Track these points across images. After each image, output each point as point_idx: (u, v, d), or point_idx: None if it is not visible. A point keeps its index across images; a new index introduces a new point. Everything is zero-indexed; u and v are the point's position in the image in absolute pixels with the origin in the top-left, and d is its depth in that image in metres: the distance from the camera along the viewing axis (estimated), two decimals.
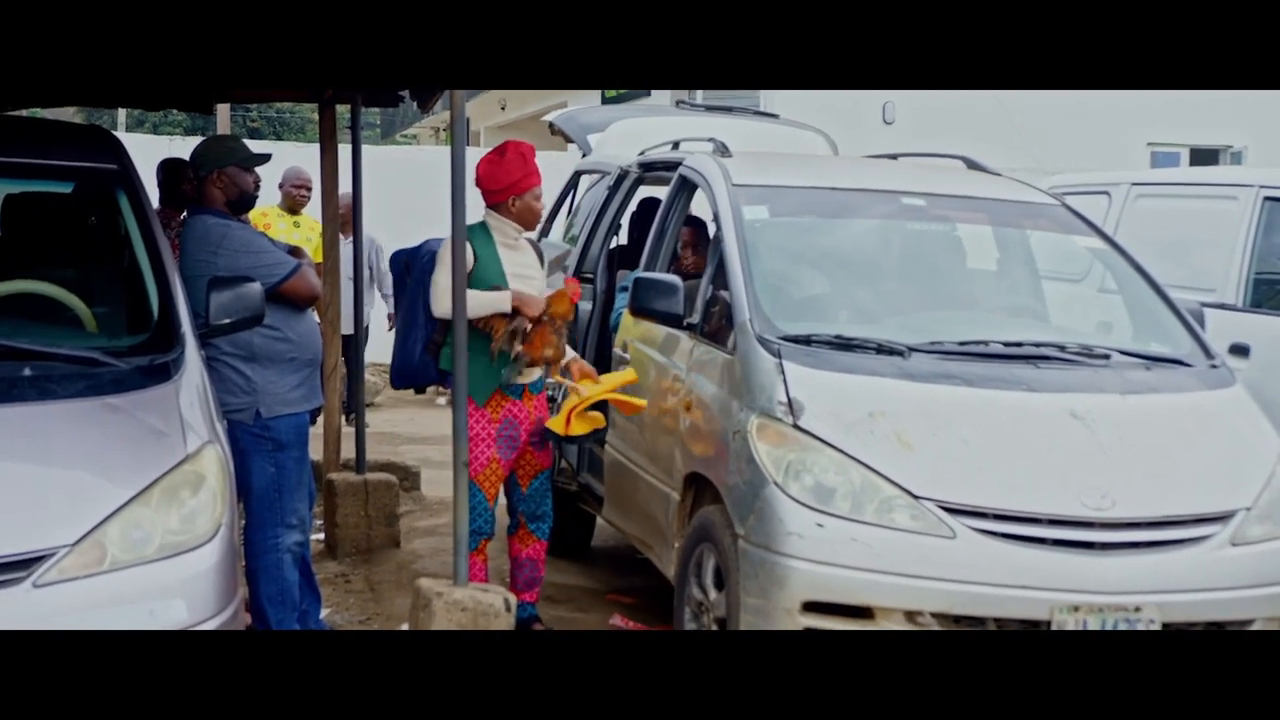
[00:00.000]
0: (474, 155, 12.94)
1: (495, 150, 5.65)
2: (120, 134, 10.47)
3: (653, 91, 18.20)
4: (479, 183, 5.55)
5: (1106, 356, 5.14)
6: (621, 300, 6.20)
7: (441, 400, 12.82)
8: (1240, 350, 6.36)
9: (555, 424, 5.58)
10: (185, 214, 5.83)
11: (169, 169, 6.73)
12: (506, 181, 5.52)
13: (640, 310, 5.37)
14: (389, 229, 12.52)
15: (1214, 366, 5.24)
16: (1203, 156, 17.72)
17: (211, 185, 5.42)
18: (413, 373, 5.77)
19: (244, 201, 5.50)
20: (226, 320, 4.66)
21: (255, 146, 5.92)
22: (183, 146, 11.46)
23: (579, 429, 5.60)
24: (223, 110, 13.83)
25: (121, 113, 27.15)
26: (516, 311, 5.45)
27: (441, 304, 5.38)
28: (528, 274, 5.60)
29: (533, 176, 5.57)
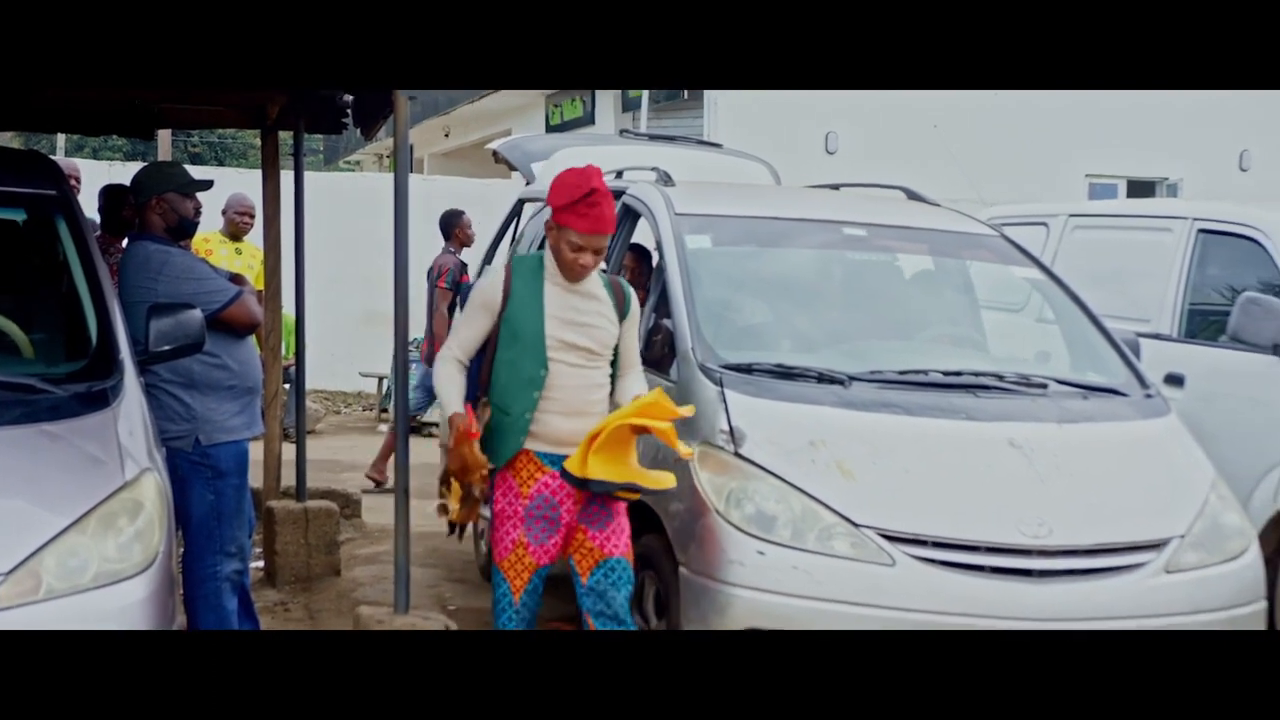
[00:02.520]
0: (417, 182, 12.95)
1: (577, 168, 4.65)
2: (59, 159, 10.39)
3: (597, 120, 18.28)
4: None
5: (1044, 386, 5.20)
6: None
7: (383, 427, 12.77)
8: (1175, 380, 6.45)
9: (572, 463, 4.38)
10: (126, 240, 5.80)
11: (110, 195, 6.70)
12: (552, 200, 4.52)
13: None
14: (332, 255, 12.52)
15: (1149, 396, 5.32)
16: (1140, 188, 17.96)
17: (151, 211, 5.39)
18: None
19: (184, 228, 5.47)
20: (166, 347, 4.63)
21: (196, 172, 5.88)
22: (123, 172, 11.40)
23: (600, 472, 4.35)
24: (164, 135, 13.77)
25: (60, 137, 26.93)
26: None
27: (436, 364, 4.67)
28: (584, 321, 4.53)
29: (576, 217, 4.41)
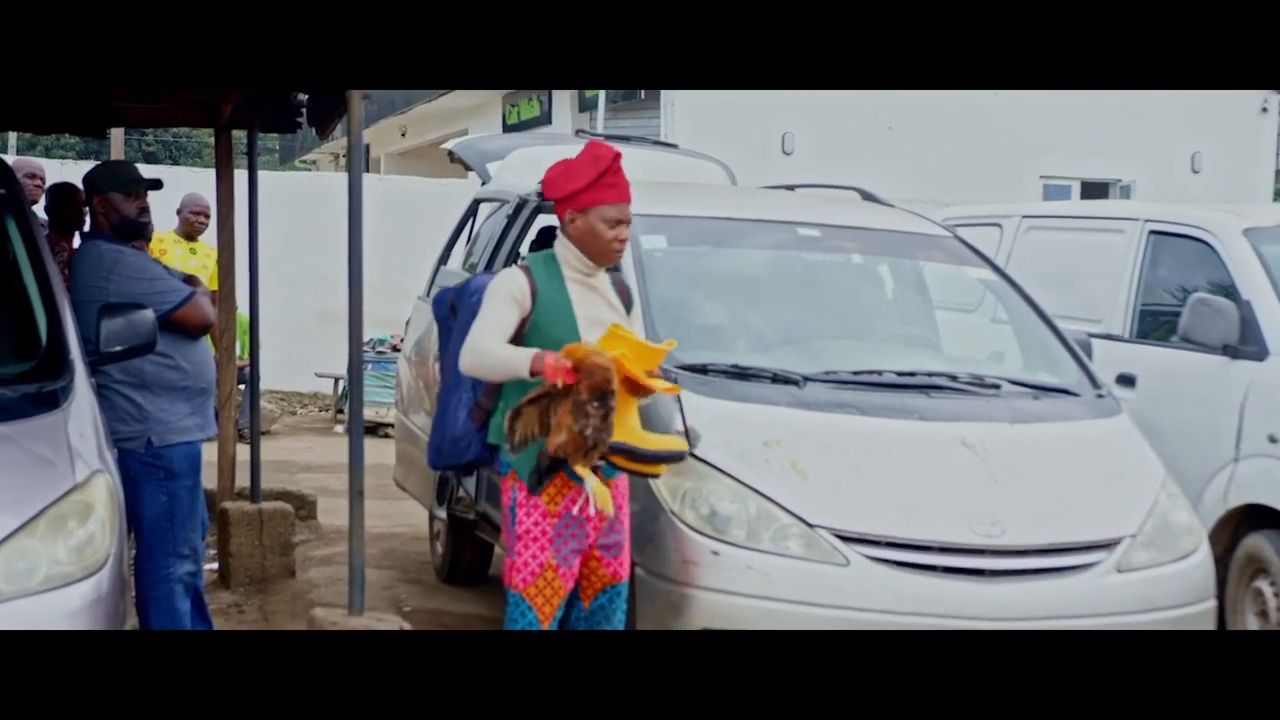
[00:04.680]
0: (372, 181, 12.91)
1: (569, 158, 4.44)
2: (10, 157, 10.29)
3: (554, 120, 18.27)
4: (544, 192, 4.47)
5: (997, 386, 5.23)
6: None
7: (339, 428, 12.72)
8: (1127, 380, 6.49)
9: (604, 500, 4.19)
10: (76, 239, 5.76)
11: (56, 194, 6.64)
12: (566, 189, 4.32)
13: None
14: (287, 255, 12.46)
15: (1100, 396, 5.36)
16: (1093, 189, 18.12)
17: (96, 211, 5.36)
18: (454, 445, 4.56)
19: (127, 227, 5.38)
20: (118, 347, 4.60)
21: (150, 171, 5.83)
22: (75, 170, 11.31)
23: None
24: (116, 134, 13.64)
25: (12, 135, 26.68)
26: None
27: (468, 357, 4.26)
28: (606, 319, 4.31)
29: (605, 191, 4.28)
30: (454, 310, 4.72)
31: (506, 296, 4.26)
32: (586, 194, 4.28)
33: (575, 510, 4.19)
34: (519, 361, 4.14)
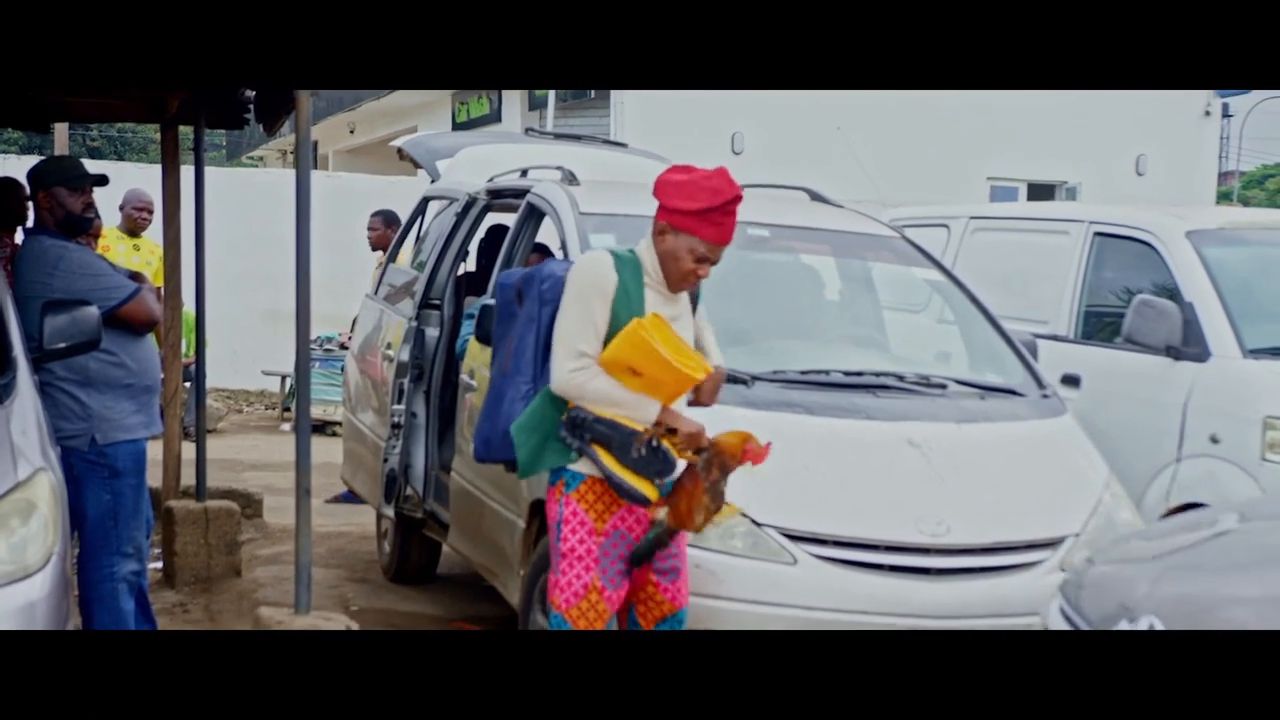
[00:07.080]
0: (320, 178, 12.86)
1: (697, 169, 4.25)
2: None
3: (503, 118, 18.24)
4: (654, 189, 4.26)
5: (943, 386, 5.27)
6: (468, 327, 6.18)
7: (286, 426, 12.64)
8: (1071, 380, 6.55)
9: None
10: (20, 234, 5.70)
11: None
12: (674, 203, 4.15)
13: (486, 337, 5.36)
14: (233, 252, 12.37)
15: (1045, 396, 5.41)
16: (1039, 191, 18.28)
17: (40, 206, 5.31)
18: (507, 439, 4.26)
19: (72, 223, 5.34)
20: (61, 344, 4.56)
21: (94, 167, 5.77)
22: (18, 165, 11.20)
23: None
24: (60, 129, 13.51)
25: None
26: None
27: (571, 377, 4.06)
28: (679, 333, 4.17)
29: (708, 225, 4.09)
30: (520, 297, 4.42)
31: (595, 291, 4.09)
32: (690, 218, 4.11)
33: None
34: (645, 409, 4.05)
